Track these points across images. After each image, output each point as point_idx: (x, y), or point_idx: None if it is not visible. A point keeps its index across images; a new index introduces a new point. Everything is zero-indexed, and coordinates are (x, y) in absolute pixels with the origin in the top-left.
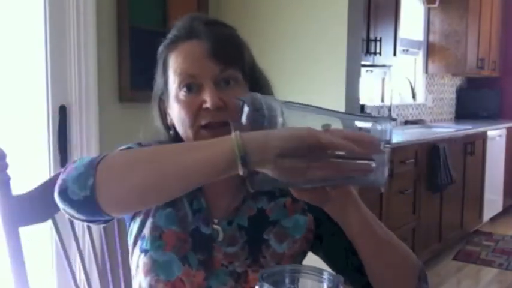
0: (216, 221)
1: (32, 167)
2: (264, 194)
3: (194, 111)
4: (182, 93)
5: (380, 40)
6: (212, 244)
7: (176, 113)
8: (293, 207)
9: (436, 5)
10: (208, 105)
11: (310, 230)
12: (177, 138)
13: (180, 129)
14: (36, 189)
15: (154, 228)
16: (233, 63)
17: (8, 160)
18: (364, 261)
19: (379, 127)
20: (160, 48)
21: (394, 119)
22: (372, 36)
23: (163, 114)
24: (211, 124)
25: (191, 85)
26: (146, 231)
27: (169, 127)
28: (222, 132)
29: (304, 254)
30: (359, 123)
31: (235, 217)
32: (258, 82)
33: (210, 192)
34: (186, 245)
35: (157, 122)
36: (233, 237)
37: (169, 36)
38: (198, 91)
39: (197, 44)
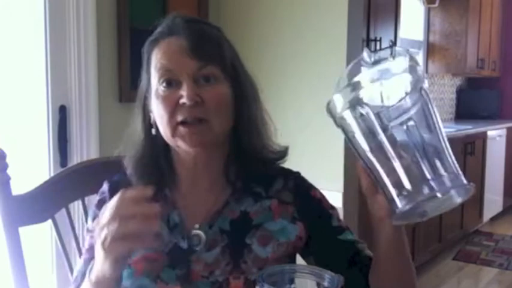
0: (197, 225)
1: (32, 167)
2: (250, 195)
3: (172, 106)
4: (161, 88)
5: (380, 40)
6: (190, 257)
7: (156, 109)
8: (280, 210)
9: (436, 5)
10: (184, 100)
11: (300, 238)
12: (158, 136)
13: (160, 126)
14: (36, 189)
15: None
16: (212, 60)
17: (8, 160)
18: (378, 275)
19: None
20: (144, 46)
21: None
22: (372, 36)
23: (146, 112)
24: (188, 120)
25: (170, 81)
26: None
27: (150, 125)
28: (198, 129)
29: (290, 259)
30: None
31: (216, 220)
32: (239, 80)
33: (190, 197)
34: (158, 263)
35: (137, 122)
36: (213, 241)
37: (153, 34)
38: (177, 87)
39: (176, 40)
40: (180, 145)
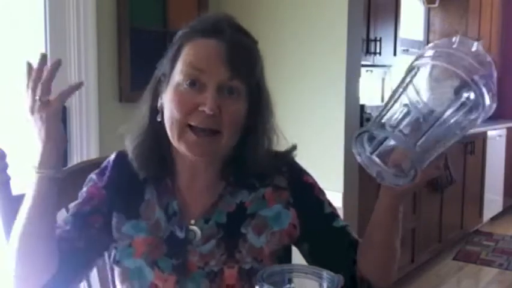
0: (193, 221)
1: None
2: (245, 187)
3: (188, 109)
4: (184, 86)
5: (380, 40)
6: (187, 247)
7: (169, 103)
8: (273, 197)
9: (436, 5)
10: (205, 108)
11: (294, 226)
12: (162, 124)
13: (167, 119)
14: None
15: (126, 237)
16: (242, 75)
17: (8, 160)
18: (364, 242)
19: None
20: (179, 34)
21: None
22: (372, 36)
23: (156, 96)
24: (200, 127)
25: (195, 81)
26: (120, 242)
27: (157, 111)
28: (207, 140)
29: (285, 250)
30: None
31: (212, 214)
32: (258, 101)
33: (187, 192)
34: (157, 250)
35: (146, 104)
36: (210, 235)
37: (192, 25)
38: (200, 90)
39: (215, 43)
40: (182, 150)
